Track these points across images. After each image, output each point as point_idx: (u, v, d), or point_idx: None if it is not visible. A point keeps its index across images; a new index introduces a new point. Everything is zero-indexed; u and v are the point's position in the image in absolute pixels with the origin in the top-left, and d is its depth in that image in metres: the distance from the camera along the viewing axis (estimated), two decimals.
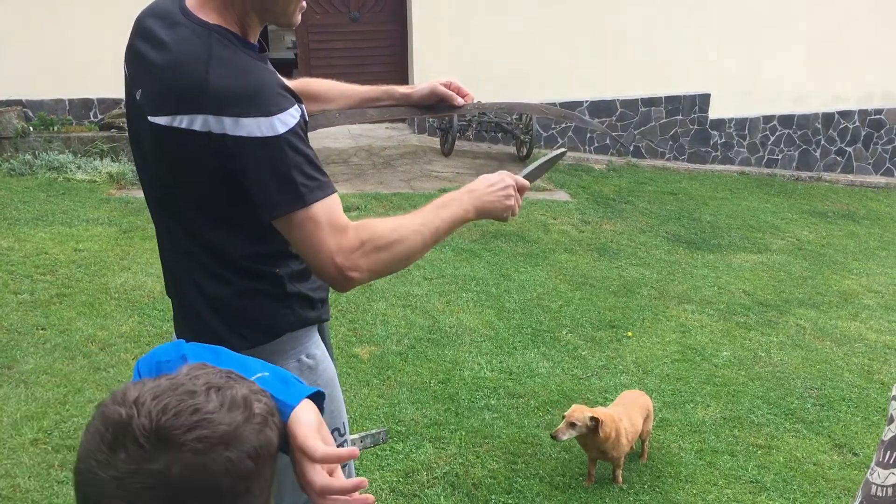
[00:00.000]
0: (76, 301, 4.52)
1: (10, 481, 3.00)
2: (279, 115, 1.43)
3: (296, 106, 1.48)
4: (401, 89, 2.01)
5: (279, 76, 1.54)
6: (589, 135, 9.39)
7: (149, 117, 1.47)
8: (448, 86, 1.99)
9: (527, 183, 1.74)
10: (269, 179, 1.44)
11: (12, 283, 4.70)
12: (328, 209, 1.48)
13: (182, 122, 1.42)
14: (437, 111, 2.03)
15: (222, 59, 1.43)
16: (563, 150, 2.04)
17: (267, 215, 1.47)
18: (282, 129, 1.43)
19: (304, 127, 1.50)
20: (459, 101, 1.99)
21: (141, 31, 1.54)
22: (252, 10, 1.52)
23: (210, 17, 1.49)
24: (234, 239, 1.55)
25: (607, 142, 9.48)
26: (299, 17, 1.59)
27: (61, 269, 4.96)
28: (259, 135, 1.41)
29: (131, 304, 4.52)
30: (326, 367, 1.73)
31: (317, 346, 1.71)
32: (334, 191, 1.50)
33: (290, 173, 1.43)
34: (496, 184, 1.68)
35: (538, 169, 1.87)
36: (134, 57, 1.54)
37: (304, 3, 1.59)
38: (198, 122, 1.41)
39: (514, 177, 1.71)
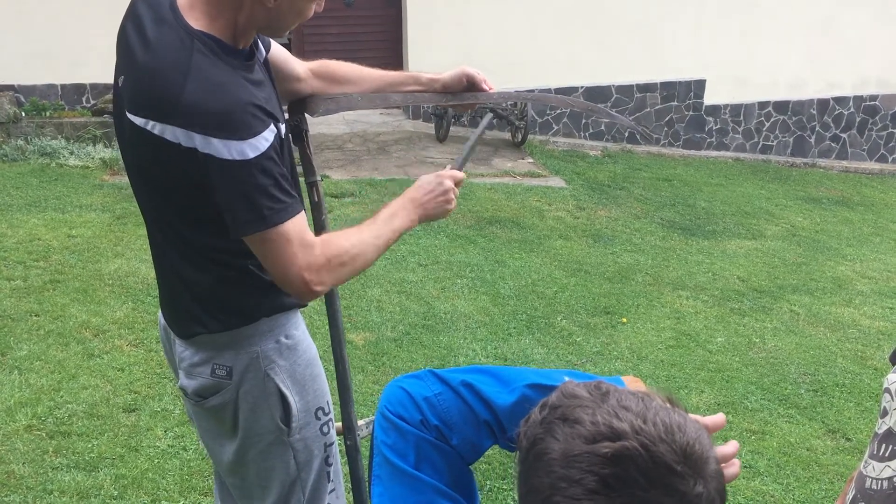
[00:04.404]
0: (70, 287, 4.50)
1: (4, 468, 3.00)
2: (250, 140, 1.43)
3: (270, 127, 1.48)
4: (427, 75, 2.00)
5: (259, 90, 1.52)
6: (584, 121, 9.36)
7: (127, 113, 1.48)
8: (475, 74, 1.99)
9: (462, 175, 1.82)
10: (236, 200, 1.46)
11: (5, 270, 4.68)
12: (295, 228, 1.51)
13: (155, 128, 1.43)
14: (461, 100, 2.00)
15: (200, 72, 1.42)
16: (488, 115, 2.05)
17: (234, 233, 1.50)
18: (251, 154, 1.43)
19: (277, 147, 1.51)
20: (486, 85, 1.99)
21: (132, 16, 1.53)
22: (253, 27, 1.53)
23: (198, 23, 1.47)
24: (204, 234, 1.56)
25: (602, 128, 9.46)
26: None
27: (54, 255, 4.94)
28: (228, 157, 1.42)
29: (125, 291, 4.51)
30: (307, 348, 1.75)
31: (296, 326, 1.73)
32: (301, 210, 1.54)
33: (256, 197, 1.46)
34: (434, 190, 1.75)
35: (469, 152, 1.91)
36: (122, 41, 1.54)
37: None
38: (169, 132, 1.42)
39: (451, 174, 1.78)
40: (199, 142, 1.41)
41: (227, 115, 1.41)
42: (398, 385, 1.09)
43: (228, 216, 1.48)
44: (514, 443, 0.89)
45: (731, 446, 0.92)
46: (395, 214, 1.69)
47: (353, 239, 1.61)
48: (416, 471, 1.03)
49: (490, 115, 2.08)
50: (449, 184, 1.76)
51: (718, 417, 0.95)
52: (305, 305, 1.77)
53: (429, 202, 1.74)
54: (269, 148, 1.46)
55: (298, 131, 1.85)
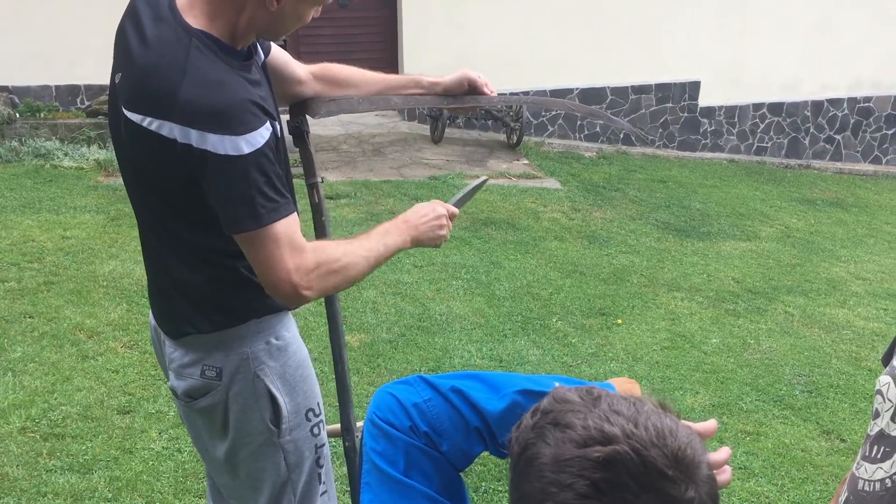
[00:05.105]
0: (64, 289, 4.49)
1: None
2: (246, 136, 1.43)
3: (266, 125, 1.48)
4: (428, 78, 2.01)
5: (257, 89, 1.52)
6: (579, 122, 9.37)
7: (123, 109, 1.47)
8: (477, 78, 2.00)
9: (456, 210, 1.84)
10: (230, 196, 1.45)
11: None
12: (287, 229, 1.50)
13: (152, 124, 1.43)
14: (462, 103, 2.02)
15: (198, 70, 1.42)
16: (484, 178, 2.10)
17: (227, 230, 1.50)
18: (247, 150, 1.43)
19: (273, 145, 1.51)
20: (487, 89, 2.00)
21: (131, 13, 1.53)
22: (254, 29, 1.53)
23: (197, 22, 1.47)
24: (197, 234, 1.56)
25: (597, 129, 9.48)
26: None
27: (48, 256, 4.92)
28: (223, 152, 1.42)
29: (119, 292, 4.50)
30: (297, 349, 1.75)
31: (287, 328, 1.73)
32: (294, 211, 1.53)
33: (250, 193, 1.45)
34: (428, 214, 1.76)
35: (465, 196, 1.95)
36: (120, 39, 1.54)
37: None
38: (166, 129, 1.42)
39: (445, 206, 1.80)
40: (195, 138, 1.41)
41: (223, 110, 1.42)
42: (387, 391, 1.08)
43: (223, 213, 1.48)
44: (504, 449, 0.88)
45: (723, 453, 0.92)
46: (388, 232, 1.69)
47: (343, 248, 1.61)
48: (406, 477, 1.03)
49: (486, 179, 2.12)
50: (443, 210, 1.78)
51: (710, 424, 0.95)
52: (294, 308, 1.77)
53: (422, 225, 1.75)
54: (264, 145, 1.46)
55: (300, 132, 1.85)
